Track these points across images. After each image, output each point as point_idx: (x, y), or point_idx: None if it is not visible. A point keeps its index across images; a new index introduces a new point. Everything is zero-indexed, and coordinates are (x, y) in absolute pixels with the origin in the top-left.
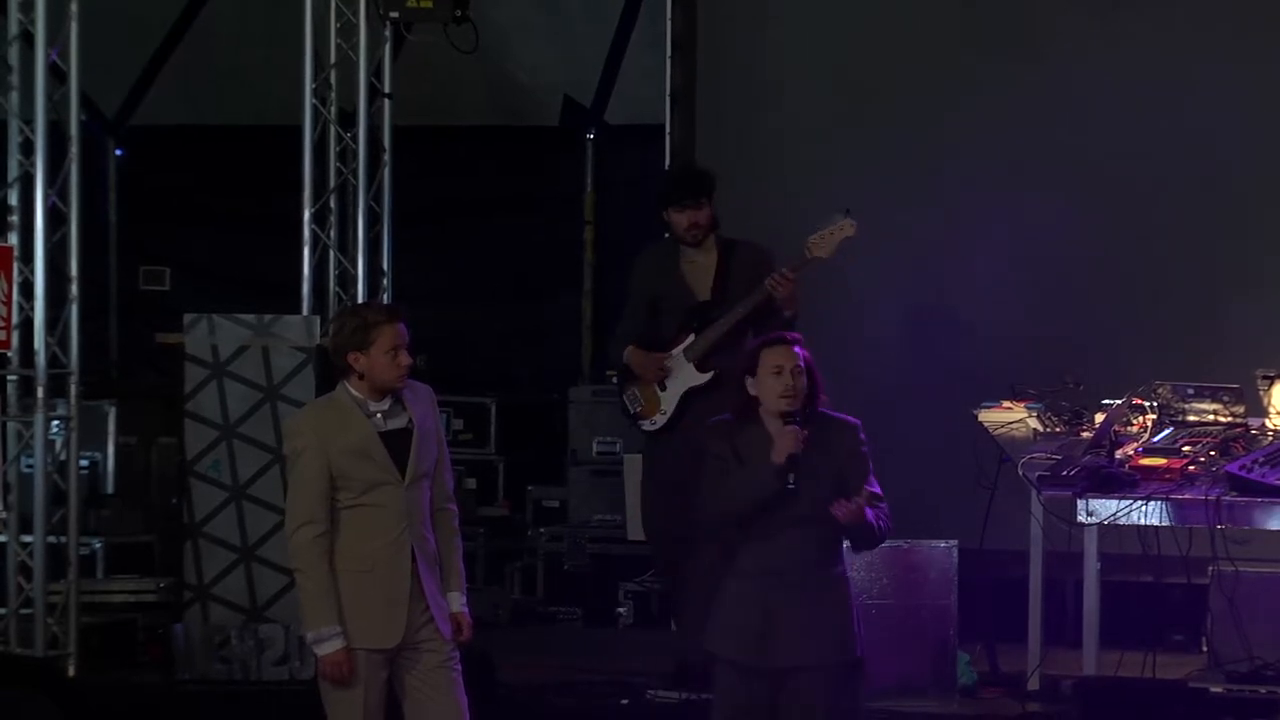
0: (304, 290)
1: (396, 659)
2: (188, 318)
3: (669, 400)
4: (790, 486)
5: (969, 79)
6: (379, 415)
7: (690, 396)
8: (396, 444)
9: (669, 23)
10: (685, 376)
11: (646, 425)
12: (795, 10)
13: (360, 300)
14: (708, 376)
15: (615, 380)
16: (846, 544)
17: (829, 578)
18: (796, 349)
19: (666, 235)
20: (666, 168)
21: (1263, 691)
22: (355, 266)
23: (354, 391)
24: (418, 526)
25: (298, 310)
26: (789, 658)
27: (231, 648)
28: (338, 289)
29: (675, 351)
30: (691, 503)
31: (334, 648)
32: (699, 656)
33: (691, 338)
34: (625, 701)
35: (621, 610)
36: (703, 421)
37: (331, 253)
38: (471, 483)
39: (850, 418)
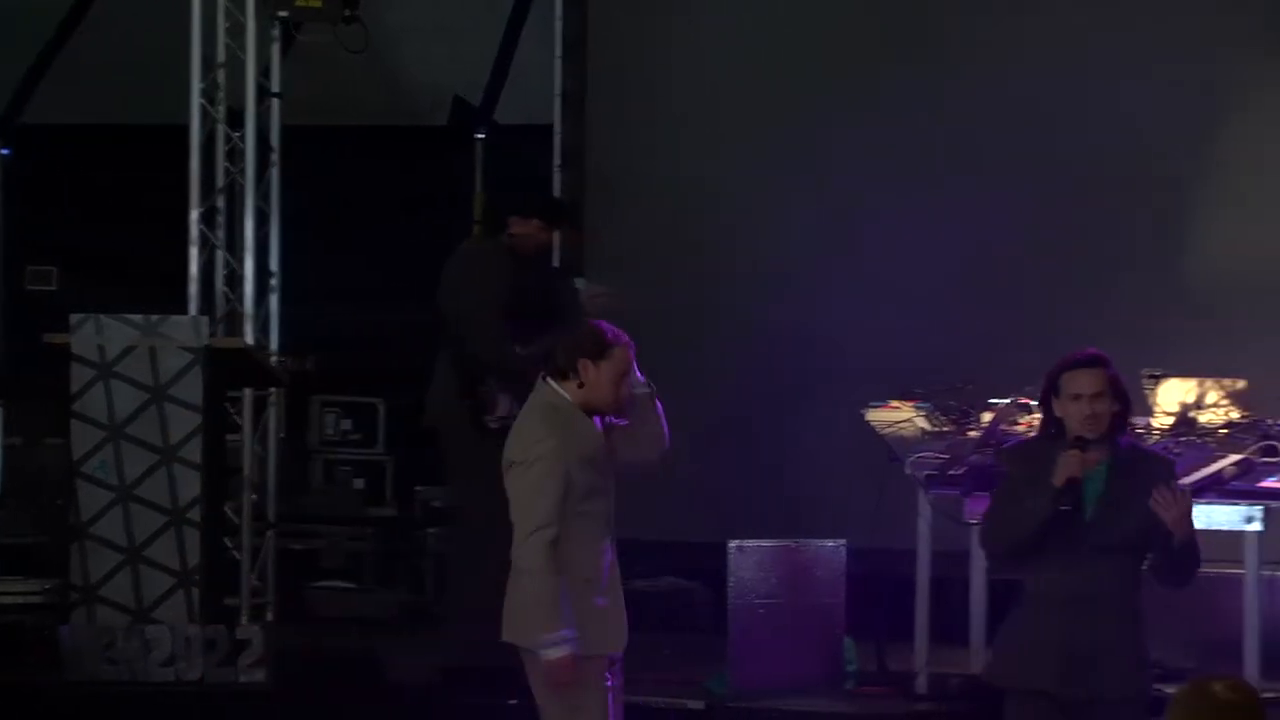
0: (191, 290)
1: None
2: (74, 318)
3: (504, 405)
4: (1064, 508)
5: (863, 80)
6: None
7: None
8: None
9: (559, 22)
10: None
11: (494, 423)
12: (687, 11)
13: (247, 301)
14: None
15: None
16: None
17: (1128, 610)
18: (1106, 370)
19: (490, 238)
20: (529, 181)
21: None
22: (243, 267)
23: (568, 397)
24: (613, 534)
25: (185, 310)
26: (1086, 689)
27: (118, 649)
28: (225, 289)
29: None
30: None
31: (566, 651)
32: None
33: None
34: (514, 702)
35: None
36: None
37: (219, 253)
38: (360, 483)
39: (1166, 456)
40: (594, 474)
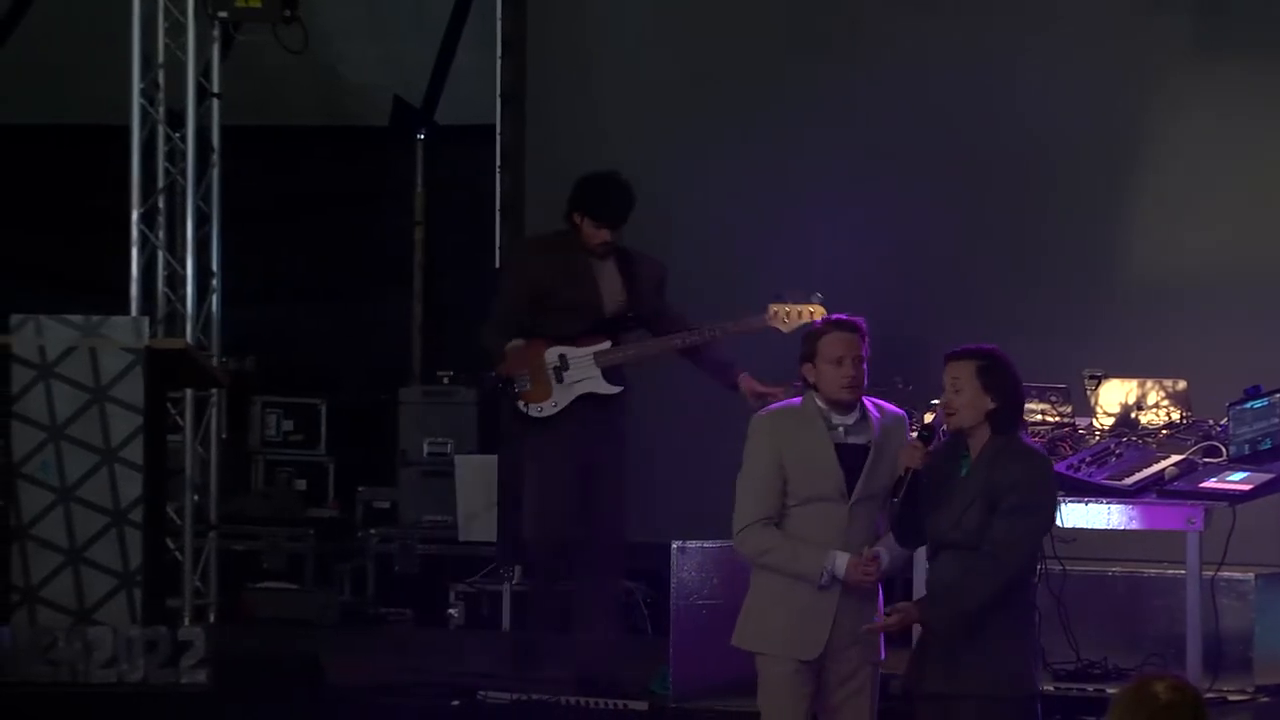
0: (132, 291)
1: (820, 675)
2: (15, 319)
3: (563, 394)
4: (893, 499)
5: (801, 77)
6: (841, 428)
7: (586, 400)
8: (852, 459)
9: (499, 23)
10: (590, 380)
11: (534, 411)
12: (625, 9)
13: (188, 302)
14: (615, 390)
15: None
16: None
17: None
18: (975, 363)
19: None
20: (594, 175)
21: (1090, 690)
22: (184, 267)
23: (819, 402)
24: (858, 547)
25: (126, 311)
26: (939, 684)
27: (59, 650)
28: (166, 289)
29: (584, 351)
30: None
31: (844, 561)
32: (606, 665)
33: (607, 344)
34: (457, 703)
35: (452, 611)
36: (589, 430)
37: (160, 253)
38: (301, 484)
39: (1041, 452)
40: (819, 480)
